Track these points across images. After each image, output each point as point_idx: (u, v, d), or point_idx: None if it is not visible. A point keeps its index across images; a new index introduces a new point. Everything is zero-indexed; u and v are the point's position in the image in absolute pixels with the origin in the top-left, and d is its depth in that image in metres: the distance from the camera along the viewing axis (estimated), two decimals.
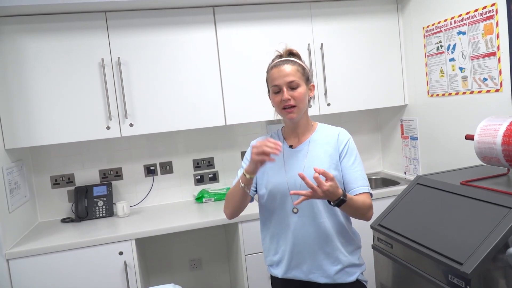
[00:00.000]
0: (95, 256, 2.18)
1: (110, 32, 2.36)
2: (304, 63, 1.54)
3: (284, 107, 1.47)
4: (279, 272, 1.57)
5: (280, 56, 1.56)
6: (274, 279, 1.65)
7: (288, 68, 1.47)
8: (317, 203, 1.50)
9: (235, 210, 1.56)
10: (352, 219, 1.60)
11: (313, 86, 1.57)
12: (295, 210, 1.51)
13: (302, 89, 1.48)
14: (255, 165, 1.40)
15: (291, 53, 1.55)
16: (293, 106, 1.46)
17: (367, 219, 1.53)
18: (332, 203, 1.37)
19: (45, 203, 2.67)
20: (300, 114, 1.50)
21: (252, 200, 1.61)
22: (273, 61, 1.55)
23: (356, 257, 1.58)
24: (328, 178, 1.30)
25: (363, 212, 1.48)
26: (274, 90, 1.49)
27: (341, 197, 1.35)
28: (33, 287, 2.11)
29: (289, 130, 1.59)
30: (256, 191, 1.62)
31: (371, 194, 1.53)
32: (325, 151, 1.53)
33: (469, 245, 1.31)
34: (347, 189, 1.52)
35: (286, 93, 1.45)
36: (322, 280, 1.53)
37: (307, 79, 1.52)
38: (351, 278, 1.55)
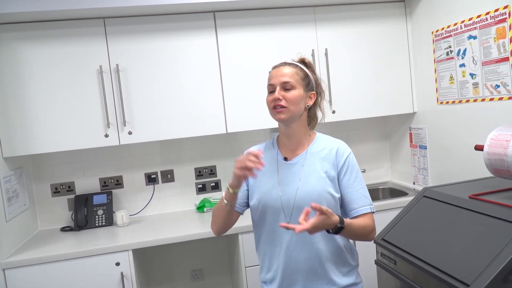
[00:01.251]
0: (92, 266, 2.14)
1: (108, 38, 2.33)
2: (310, 72, 1.49)
3: (274, 107, 1.42)
4: None
5: None
6: None
7: (286, 69, 1.45)
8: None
9: (221, 227, 1.52)
10: None
11: (314, 95, 1.50)
12: None
13: (296, 92, 1.43)
14: (238, 180, 1.37)
15: (303, 62, 1.51)
16: (283, 107, 1.41)
17: (369, 240, 1.50)
18: (330, 231, 1.33)
19: (46, 211, 2.65)
20: (290, 117, 1.43)
21: (242, 213, 1.57)
22: None
23: (353, 277, 1.50)
24: (319, 211, 1.24)
25: (364, 236, 1.45)
26: (269, 89, 1.47)
27: (338, 225, 1.30)
28: None
29: (284, 139, 1.52)
30: (247, 204, 1.56)
31: (373, 211, 1.48)
32: (322, 165, 1.47)
33: (477, 264, 1.23)
34: (348, 209, 1.47)
35: (278, 92, 1.41)
36: None
37: (307, 85, 1.47)
38: None
